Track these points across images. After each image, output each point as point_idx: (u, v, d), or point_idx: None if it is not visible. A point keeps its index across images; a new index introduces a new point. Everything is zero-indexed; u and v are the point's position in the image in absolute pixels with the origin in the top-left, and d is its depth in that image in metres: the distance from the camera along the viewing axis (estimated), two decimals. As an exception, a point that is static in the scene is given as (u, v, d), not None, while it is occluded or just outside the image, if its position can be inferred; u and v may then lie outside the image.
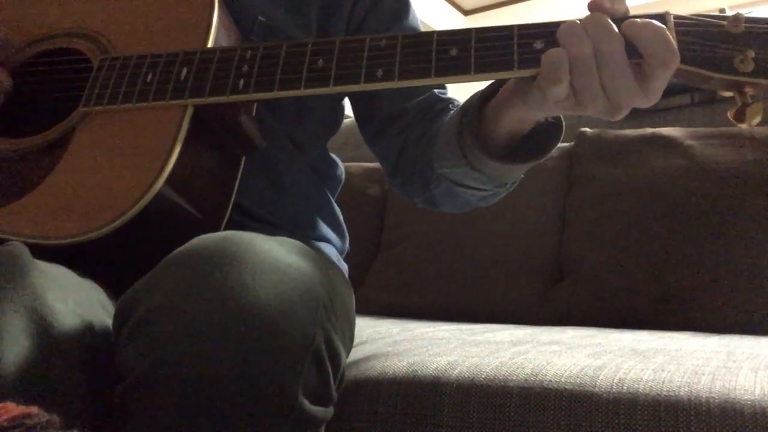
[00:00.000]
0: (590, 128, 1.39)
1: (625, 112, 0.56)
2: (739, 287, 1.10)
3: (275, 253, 0.55)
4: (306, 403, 0.53)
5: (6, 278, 0.51)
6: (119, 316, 0.55)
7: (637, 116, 1.43)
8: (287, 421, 0.51)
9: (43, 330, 0.50)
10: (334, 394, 0.59)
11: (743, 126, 0.56)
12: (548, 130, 0.65)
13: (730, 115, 0.56)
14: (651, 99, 0.55)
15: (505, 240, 1.37)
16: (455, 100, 0.84)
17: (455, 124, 0.68)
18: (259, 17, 0.78)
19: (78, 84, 0.71)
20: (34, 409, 0.38)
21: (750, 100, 0.55)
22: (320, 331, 0.55)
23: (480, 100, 0.66)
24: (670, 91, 1.40)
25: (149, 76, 0.67)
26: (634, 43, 0.54)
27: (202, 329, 0.49)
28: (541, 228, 1.36)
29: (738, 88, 0.55)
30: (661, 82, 0.54)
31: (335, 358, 0.58)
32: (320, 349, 0.55)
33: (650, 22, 0.54)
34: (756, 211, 1.14)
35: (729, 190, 1.17)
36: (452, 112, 0.79)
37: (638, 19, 0.55)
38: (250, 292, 0.51)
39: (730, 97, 0.57)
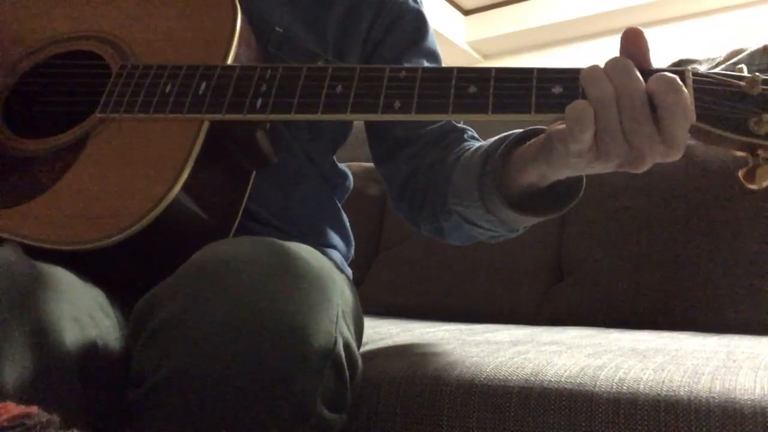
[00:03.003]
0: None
1: (649, 163, 0.55)
2: (739, 287, 1.10)
3: (294, 259, 0.55)
4: (324, 409, 0.53)
5: (0, 281, 0.51)
6: (135, 322, 0.55)
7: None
8: (305, 427, 0.51)
9: (38, 331, 0.50)
10: (350, 400, 0.59)
11: (753, 187, 0.55)
12: (568, 186, 0.65)
13: (740, 174, 0.56)
14: (673, 150, 0.54)
15: (505, 240, 1.37)
16: (469, 129, 0.84)
17: (477, 166, 0.68)
18: (277, 28, 0.78)
19: (95, 88, 0.71)
20: (34, 409, 0.38)
21: (761, 162, 0.55)
22: (340, 338, 0.55)
23: (506, 149, 0.66)
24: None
25: (168, 88, 0.67)
26: (649, 97, 0.53)
27: (223, 336, 0.49)
28: (541, 228, 1.35)
29: (751, 149, 0.55)
30: (677, 132, 0.53)
31: (353, 365, 0.58)
32: (340, 356, 0.55)
33: (664, 75, 0.53)
34: (756, 210, 1.14)
35: (729, 190, 1.17)
36: (467, 144, 0.79)
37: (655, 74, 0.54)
38: (271, 299, 0.51)
39: (743, 157, 0.56)
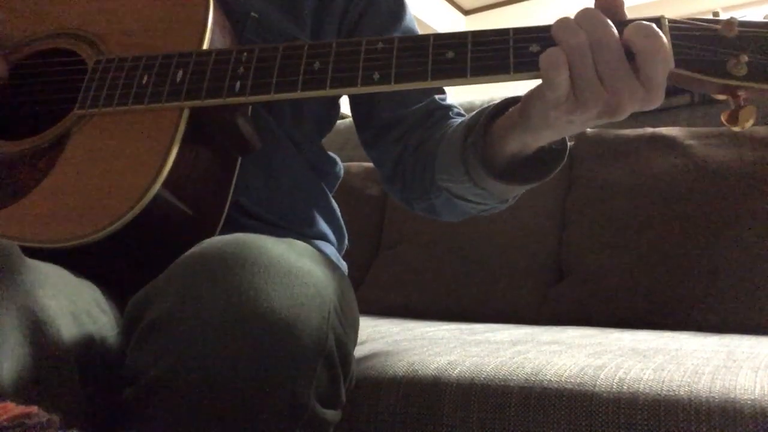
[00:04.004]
0: (590, 128, 1.40)
1: (628, 110, 0.55)
2: (739, 287, 1.10)
3: (286, 256, 0.55)
4: (317, 405, 0.53)
5: None
6: (129, 319, 0.55)
7: (637, 116, 1.43)
8: (299, 424, 0.51)
9: (35, 327, 0.50)
10: (344, 396, 0.59)
11: (736, 129, 0.56)
12: (552, 152, 0.65)
13: (723, 118, 0.56)
14: (652, 96, 0.54)
15: (505, 240, 1.37)
16: (455, 106, 0.83)
17: (459, 140, 0.68)
18: (252, 13, 0.77)
19: (73, 85, 0.70)
20: (34, 409, 0.38)
21: (743, 104, 0.55)
22: (332, 334, 0.55)
23: (486, 119, 0.66)
24: (670, 91, 1.40)
25: (145, 78, 0.67)
26: (627, 45, 0.54)
27: (216, 333, 0.49)
28: (541, 228, 1.36)
29: (731, 91, 0.55)
30: (656, 78, 0.53)
31: (346, 361, 0.58)
32: (332, 352, 0.55)
33: (641, 22, 0.54)
34: (756, 210, 1.14)
35: (728, 190, 1.17)
36: (453, 120, 0.79)
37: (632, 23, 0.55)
38: (263, 296, 0.51)
39: (723, 101, 0.57)
